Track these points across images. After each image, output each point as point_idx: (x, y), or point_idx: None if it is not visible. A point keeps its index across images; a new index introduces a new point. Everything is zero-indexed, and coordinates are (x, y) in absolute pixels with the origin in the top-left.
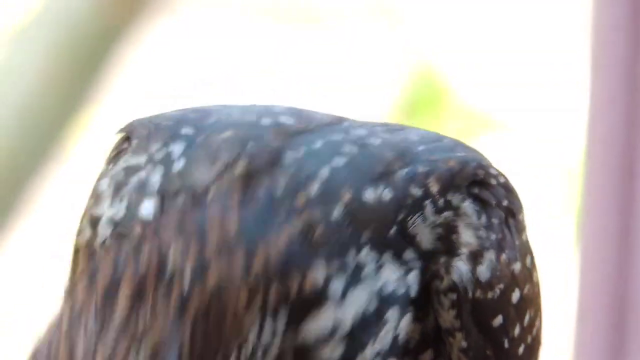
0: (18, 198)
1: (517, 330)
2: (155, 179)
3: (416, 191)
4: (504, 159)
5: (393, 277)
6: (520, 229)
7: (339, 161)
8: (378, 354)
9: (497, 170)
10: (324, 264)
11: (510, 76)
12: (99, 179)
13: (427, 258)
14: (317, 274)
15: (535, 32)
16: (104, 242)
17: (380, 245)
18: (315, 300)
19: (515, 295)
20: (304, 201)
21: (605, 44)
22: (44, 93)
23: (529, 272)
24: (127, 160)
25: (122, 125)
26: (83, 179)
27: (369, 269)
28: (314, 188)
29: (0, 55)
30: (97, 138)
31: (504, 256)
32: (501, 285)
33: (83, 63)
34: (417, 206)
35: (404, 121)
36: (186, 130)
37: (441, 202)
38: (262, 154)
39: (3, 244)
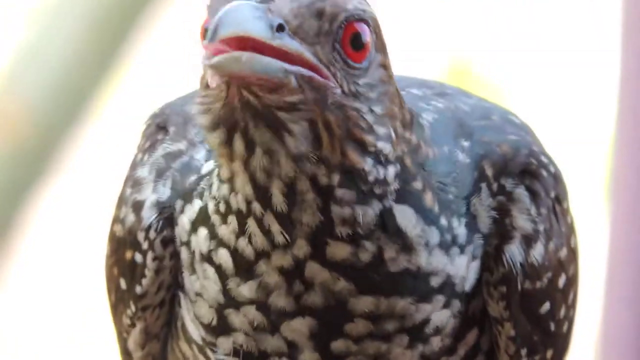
0: (51, 158)
1: (562, 312)
2: (200, 155)
3: (474, 170)
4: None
5: (462, 263)
6: (565, 214)
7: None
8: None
9: (547, 156)
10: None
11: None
12: (134, 169)
13: (485, 242)
14: None
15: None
16: (148, 226)
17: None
18: None
19: (562, 280)
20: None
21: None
22: (78, 59)
23: (573, 253)
24: (166, 148)
25: (153, 114)
26: (114, 141)
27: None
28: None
29: (39, 24)
30: (128, 101)
31: (551, 245)
32: (549, 274)
33: (114, 29)
34: (475, 186)
35: None
36: None
37: (495, 186)
38: None
39: (38, 199)
